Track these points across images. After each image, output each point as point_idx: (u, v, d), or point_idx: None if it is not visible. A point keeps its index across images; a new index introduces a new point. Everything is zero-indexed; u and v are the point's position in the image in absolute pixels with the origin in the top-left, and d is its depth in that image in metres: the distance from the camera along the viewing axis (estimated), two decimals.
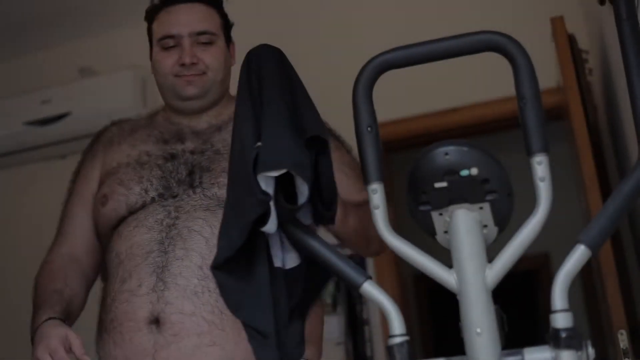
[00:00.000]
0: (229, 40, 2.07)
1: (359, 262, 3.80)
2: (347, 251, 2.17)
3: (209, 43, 1.99)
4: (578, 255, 1.23)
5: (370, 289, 1.31)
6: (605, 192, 2.66)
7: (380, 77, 1.35)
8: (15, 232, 4.24)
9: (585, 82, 3.02)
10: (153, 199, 1.89)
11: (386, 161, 3.98)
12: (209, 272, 1.76)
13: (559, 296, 1.22)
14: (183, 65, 1.96)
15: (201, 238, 1.81)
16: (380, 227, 1.31)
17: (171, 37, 1.98)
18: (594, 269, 3.26)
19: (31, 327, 1.81)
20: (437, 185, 1.27)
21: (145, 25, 2.08)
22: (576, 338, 1.20)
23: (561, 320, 1.21)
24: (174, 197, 1.88)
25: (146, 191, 1.90)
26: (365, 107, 1.32)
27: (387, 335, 1.28)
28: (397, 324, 1.27)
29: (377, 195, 1.32)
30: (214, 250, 1.72)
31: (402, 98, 3.74)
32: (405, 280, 4.61)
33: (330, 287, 3.87)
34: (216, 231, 1.75)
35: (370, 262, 3.85)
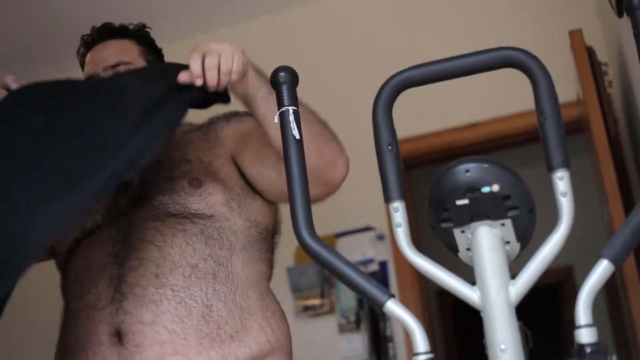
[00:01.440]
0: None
1: (381, 280, 3.80)
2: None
3: None
4: (601, 270, 1.23)
5: (393, 307, 1.31)
6: (628, 204, 2.65)
7: (400, 94, 1.35)
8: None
9: (605, 95, 3.01)
10: (104, 217, 1.93)
11: (406, 177, 3.99)
12: (165, 281, 1.78)
13: (583, 311, 1.21)
14: None
15: (154, 247, 1.83)
16: (402, 245, 1.31)
17: (91, 77, 2.04)
18: (618, 282, 3.25)
19: None
20: (459, 202, 1.27)
21: None
22: (601, 352, 1.19)
23: (586, 335, 1.20)
24: (124, 214, 1.91)
25: (96, 212, 1.92)
26: (385, 126, 1.32)
27: (411, 351, 1.28)
28: (421, 342, 1.27)
29: (398, 213, 1.32)
30: (168, 258, 1.79)
31: (422, 114, 3.75)
32: (428, 295, 4.61)
33: (353, 305, 3.87)
34: (167, 239, 1.82)
35: (392, 278, 3.85)
